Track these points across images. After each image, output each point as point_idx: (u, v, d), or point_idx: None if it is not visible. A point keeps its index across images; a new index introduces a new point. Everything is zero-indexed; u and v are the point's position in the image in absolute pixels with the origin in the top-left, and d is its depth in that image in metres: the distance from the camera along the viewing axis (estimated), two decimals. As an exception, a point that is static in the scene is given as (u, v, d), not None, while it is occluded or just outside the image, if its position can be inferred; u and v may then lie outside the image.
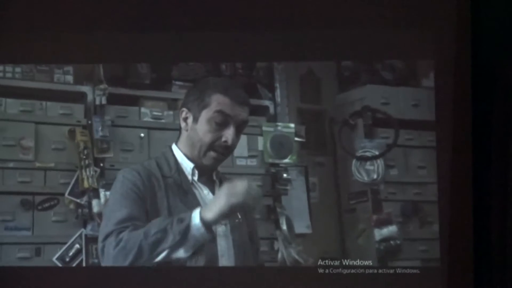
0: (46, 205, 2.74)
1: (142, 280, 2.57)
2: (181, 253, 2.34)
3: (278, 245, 2.95)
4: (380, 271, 2.62)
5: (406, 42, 2.71)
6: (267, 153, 3.08)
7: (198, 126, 2.47)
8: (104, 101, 2.87)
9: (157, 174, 2.42)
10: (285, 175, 3.09)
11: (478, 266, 2.56)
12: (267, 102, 3.09)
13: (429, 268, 2.65)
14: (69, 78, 2.85)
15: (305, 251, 2.90)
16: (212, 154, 2.46)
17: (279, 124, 3.07)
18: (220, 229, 2.47)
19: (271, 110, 3.09)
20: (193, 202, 2.44)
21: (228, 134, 2.45)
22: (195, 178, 2.49)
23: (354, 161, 2.90)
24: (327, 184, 2.96)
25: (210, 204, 2.37)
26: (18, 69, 2.76)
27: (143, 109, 2.93)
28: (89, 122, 2.84)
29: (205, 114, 2.46)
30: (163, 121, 2.99)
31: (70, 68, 2.84)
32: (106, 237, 2.31)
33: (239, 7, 2.73)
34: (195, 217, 2.31)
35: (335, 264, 2.64)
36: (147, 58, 2.86)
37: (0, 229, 2.69)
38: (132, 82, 2.93)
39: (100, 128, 2.82)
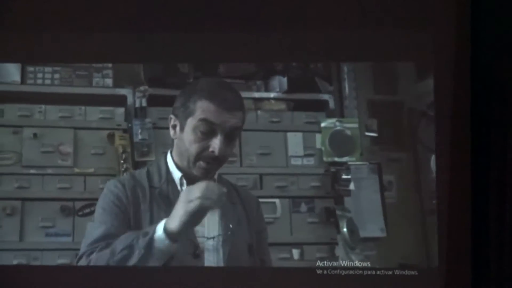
0: (87, 210, 2.66)
1: (144, 280, 2.49)
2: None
3: (338, 250, 2.67)
4: (378, 272, 2.57)
5: (405, 42, 2.63)
6: (326, 151, 2.86)
7: (184, 136, 2.31)
8: (144, 103, 2.76)
9: (144, 184, 2.31)
10: (344, 175, 2.81)
11: (476, 268, 2.53)
12: (326, 96, 2.90)
13: (428, 270, 2.59)
14: (108, 81, 2.77)
15: (378, 256, 2.70)
16: (201, 164, 2.30)
17: (341, 119, 2.85)
18: (209, 243, 2.31)
19: (331, 104, 2.90)
20: None
21: (215, 143, 2.27)
22: (184, 188, 2.32)
23: (433, 157, 2.65)
24: (405, 183, 2.76)
25: (172, 213, 2.21)
26: (57, 75, 2.71)
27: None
28: (130, 125, 2.72)
29: (190, 123, 2.30)
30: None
31: (109, 71, 2.77)
32: (79, 258, 2.27)
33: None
34: (159, 229, 2.18)
35: (333, 265, 2.57)
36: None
37: (41, 236, 2.63)
38: (173, 82, 2.80)
39: (139, 131, 2.72)
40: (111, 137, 2.70)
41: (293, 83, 2.94)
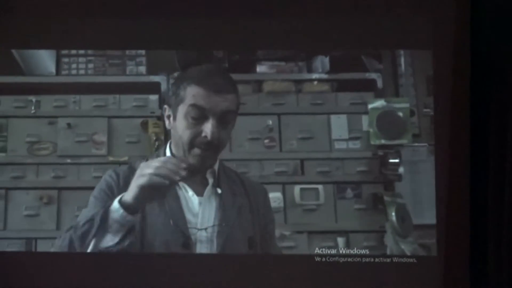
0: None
1: (143, 266, 2.46)
2: (108, 240, 2.17)
3: (387, 239, 2.49)
4: (377, 259, 2.52)
5: (404, 30, 2.58)
6: (374, 134, 2.70)
7: (177, 123, 2.26)
8: (178, 90, 2.69)
9: None
10: (392, 159, 2.62)
11: (474, 255, 2.50)
12: (373, 75, 2.74)
13: (426, 258, 2.53)
14: (142, 69, 2.75)
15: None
16: (196, 151, 2.24)
17: (389, 99, 2.69)
18: (202, 234, 2.25)
19: (379, 83, 2.74)
20: (172, 205, 2.27)
21: (207, 128, 2.22)
22: None
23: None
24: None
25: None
26: (90, 65, 2.72)
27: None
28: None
29: (181, 110, 2.25)
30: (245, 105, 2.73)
31: (142, 59, 2.74)
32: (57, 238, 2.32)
33: None
34: (116, 200, 2.16)
35: (331, 252, 2.52)
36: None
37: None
38: (208, 68, 2.72)
39: (172, 118, 2.64)
40: (144, 125, 2.66)
41: (337, 63, 2.77)
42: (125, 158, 2.67)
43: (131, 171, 2.25)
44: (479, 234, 2.53)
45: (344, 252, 2.54)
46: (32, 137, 2.66)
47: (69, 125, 2.66)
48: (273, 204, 2.65)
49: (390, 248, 2.61)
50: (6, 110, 2.68)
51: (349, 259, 2.52)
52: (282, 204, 2.67)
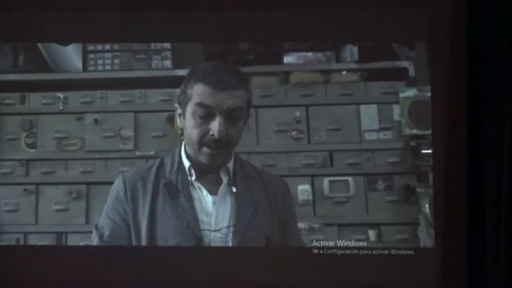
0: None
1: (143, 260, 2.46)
2: None
3: (420, 231, 2.42)
4: (374, 252, 2.49)
5: (400, 23, 2.54)
6: (406, 124, 2.63)
7: (186, 122, 2.25)
8: (204, 82, 2.67)
9: (149, 177, 2.29)
10: (424, 150, 2.55)
11: (472, 248, 2.48)
12: (405, 63, 2.66)
13: (424, 250, 2.51)
14: (168, 63, 2.74)
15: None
16: (205, 150, 2.23)
17: (422, 88, 2.63)
18: (216, 235, 2.24)
19: (411, 72, 2.66)
20: (185, 205, 2.25)
21: (214, 126, 2.19)
22: (193, 178, 2.28)
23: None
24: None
25: None
26: (116, 61, 2.73)
27: (248, 87, 2.65)
28: (190, 106, 2.66)
29: (189, 109, 2.24)
30: (272, 97, 2.73)
31: (168, 53, 2.73)
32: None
33: None
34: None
35: (329, 245, 2.49)
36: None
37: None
38: (233, 60, 2.70)
39: (197, 111, 2.62)
40: (170, 119, 2.65)
41: (366, 52, 2.70)
42: (152, 153, 2.66)
43: (140, 177, 2.30)
44: (477, 226, 2.49)
45: (342, 244, 2.51)
46: (61, 133, 2.68)
47: (96, 120, 2.67)
48: (302, 197, 2.60)
49: (423, 240, 2.52)
50: (35, 107, 2.71)
51: (347, 252, 2.49)
52: (311, 197, 2.61)
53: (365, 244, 2.52)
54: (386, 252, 2.48)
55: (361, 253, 2.49)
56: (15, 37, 2.64)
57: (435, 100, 2.55)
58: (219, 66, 2.41)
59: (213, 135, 2.20)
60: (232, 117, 2.22)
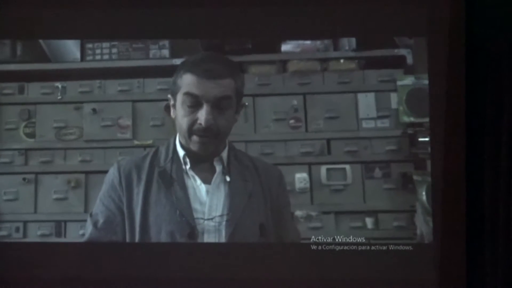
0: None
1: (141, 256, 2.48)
2: None
3: (417, 219, 2.42)
4: (373, 247, 2.50)
5: (399, 18, 2.56)
6: (404, 111, 2.63)
7: (177, 112, 2.30)
8: (202, 71, 2.68)
9: (144, 165, 2.32)
10: (421, 137, 2.54)
11: (470, 243, 2.49)
12: (403, 51, 2.66)
13: (422, 245, 2.51)
14: (165, 52, 2.74)
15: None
16: (195, 138, 2.27)
17: (419, 75, 2.64)
18: (209, 223, 2.25)
19: (409, 60, 2.66)
20: (179, 194, 2.27)
21: (201, 115, 2.23)
22: (187, 166, 2.30)
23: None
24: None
25: None
26: (114, 50, 2.74)
27: (246, 76, 2.66)
28: (187, 94, 2.67)
29: (179, 99, 2.29)
30: (270, 86, 2.73)
31: (165, 42, 2.74)
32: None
33: None
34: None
35: (328, 241, 2.50)
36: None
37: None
38: (231, 49, 2.70)
39: (194, 100, 2.63)
40: (167, 108, 2.65)
41: (364, 40, 2.70)
42: (150, 142, 2.67)
43: (134, 165, 2.32)
44: (475, 221, 2.50)
45: (341, 240, 2.52)
46: (59, 123, 2.70)
47: (94, 110, 2.69)
48: (299, 185, 2.61)
49: (420, 228, 2.52)
50: (34, 97, 2.72)
51: (345, 247, 2.50)
52: (308, 185, 2.62)
53: (363, 236, 2.53)
54: (384, 247, 2.50)
55: (359, 248, 2.49)
56: (13, 34, 2.64)
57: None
58: (208, 56, 2.45)
59: (200, 123, 2.24)
60: (219, 105, 2.24)
